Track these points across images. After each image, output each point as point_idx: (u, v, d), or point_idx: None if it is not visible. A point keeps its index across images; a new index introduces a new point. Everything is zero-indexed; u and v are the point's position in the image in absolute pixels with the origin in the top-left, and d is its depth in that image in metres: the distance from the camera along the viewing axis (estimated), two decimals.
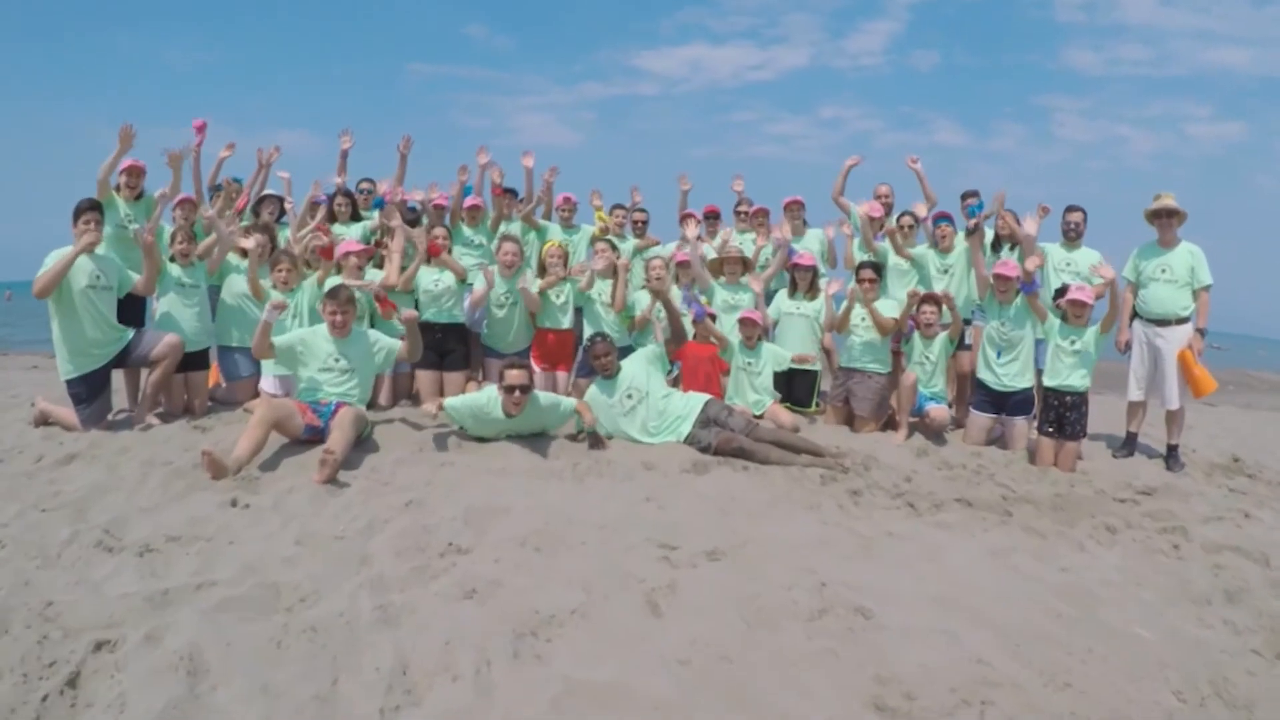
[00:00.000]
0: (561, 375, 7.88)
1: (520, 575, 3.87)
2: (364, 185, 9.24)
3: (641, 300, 7.90)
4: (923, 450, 6.84)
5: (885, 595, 3.86)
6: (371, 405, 7.42)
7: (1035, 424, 7.27)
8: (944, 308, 7.30)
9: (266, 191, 8.73)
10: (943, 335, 7.28)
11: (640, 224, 8.99)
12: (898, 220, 8.25)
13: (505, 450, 5.94)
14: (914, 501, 5.39)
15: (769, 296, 7.96)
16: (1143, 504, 5.97)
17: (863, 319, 7.43)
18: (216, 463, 5.34)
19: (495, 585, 3.76)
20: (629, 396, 6.35)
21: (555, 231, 8.66)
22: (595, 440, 6.15)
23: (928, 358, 7.33)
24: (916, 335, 7.36)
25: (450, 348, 7.69)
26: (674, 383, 7.76)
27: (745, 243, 8.50)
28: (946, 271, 7.85)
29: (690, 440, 6.22)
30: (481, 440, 6.23)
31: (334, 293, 6.31)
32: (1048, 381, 6.87)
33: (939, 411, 7.19)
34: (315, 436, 5.96)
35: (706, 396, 6.50)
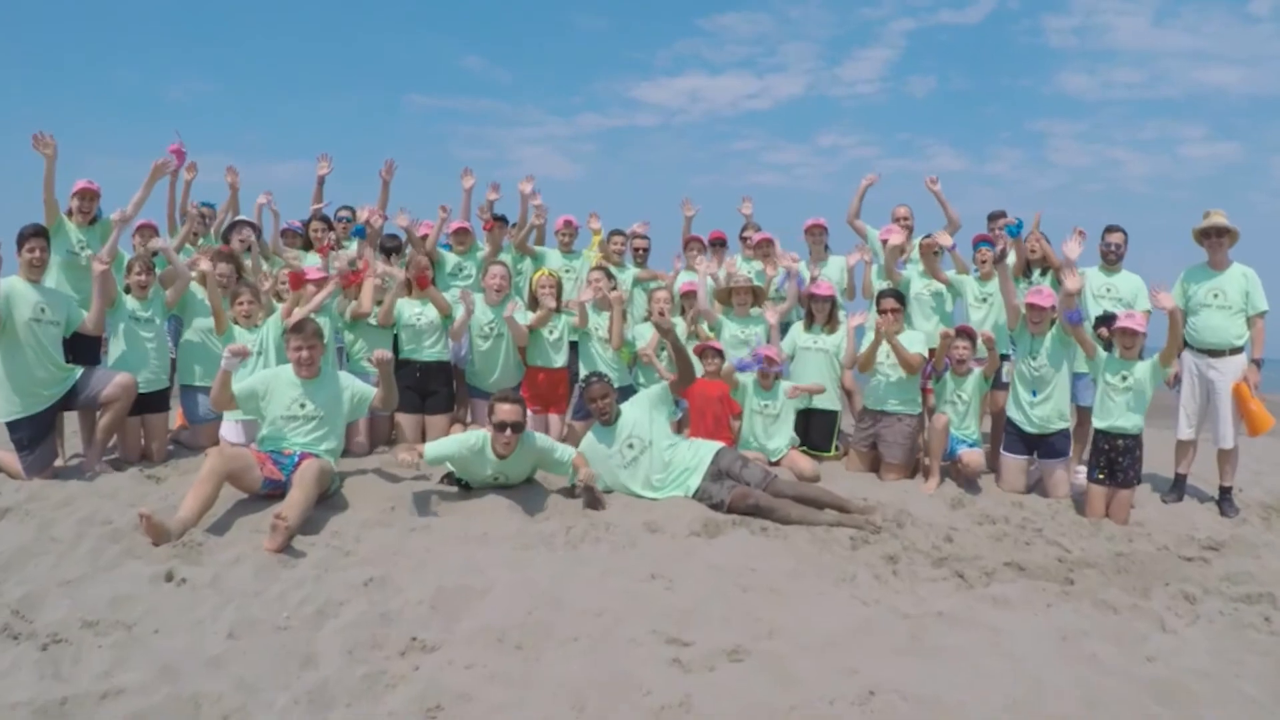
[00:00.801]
0: (555, 418, 7.16)
1: (496, 686, 3.13)
2: (343, 213, 8.60)
3: (643, 334, 7.19)
4: (958, 500, 6.10)
5: (948, 707, 3.11)
6: (346, 450, 6.73)
7: (1073, 465, 6.54)
8: (978, 342, 6.60)
9: (239, 218, 8.07)
10: (976, 372, 6.56)
11: (641, 252, 8.30)
12: (920, 246, 7.56)
13: (489, 510, 5.20)
14: (962, 569, 4.65)
15: (783, 329, 7.25)
16: (1213, 563, 5.25)
17: (887, 355, 6.72)
18: (156, 527, 4.66)
19: (464, 701, 3.02)
20: (630, 446, 5.63)
21: (555, 258, 7.97)
22: (592, 498, 5.41)
23: (959, 397, 6.62)
24: (948, 373, 6.64)
25: (433, 388, 6.98)
26: (679, 426, 7.04)
27: (752, 272, 7.80)
28: (985, 300, 7.14)
29: (700, 495, 5.48)
30: (465, 489, 5.51)
31: (299, 326, 5.61)
32: (1097, 423, 6.14)
33: (973, 456, 6.47)
34: (276, 491, 5.24)
35: (717, 445, 5.76)
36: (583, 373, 7.11)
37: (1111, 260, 7.22)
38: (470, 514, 5.15)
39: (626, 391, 6.89)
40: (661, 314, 7.00)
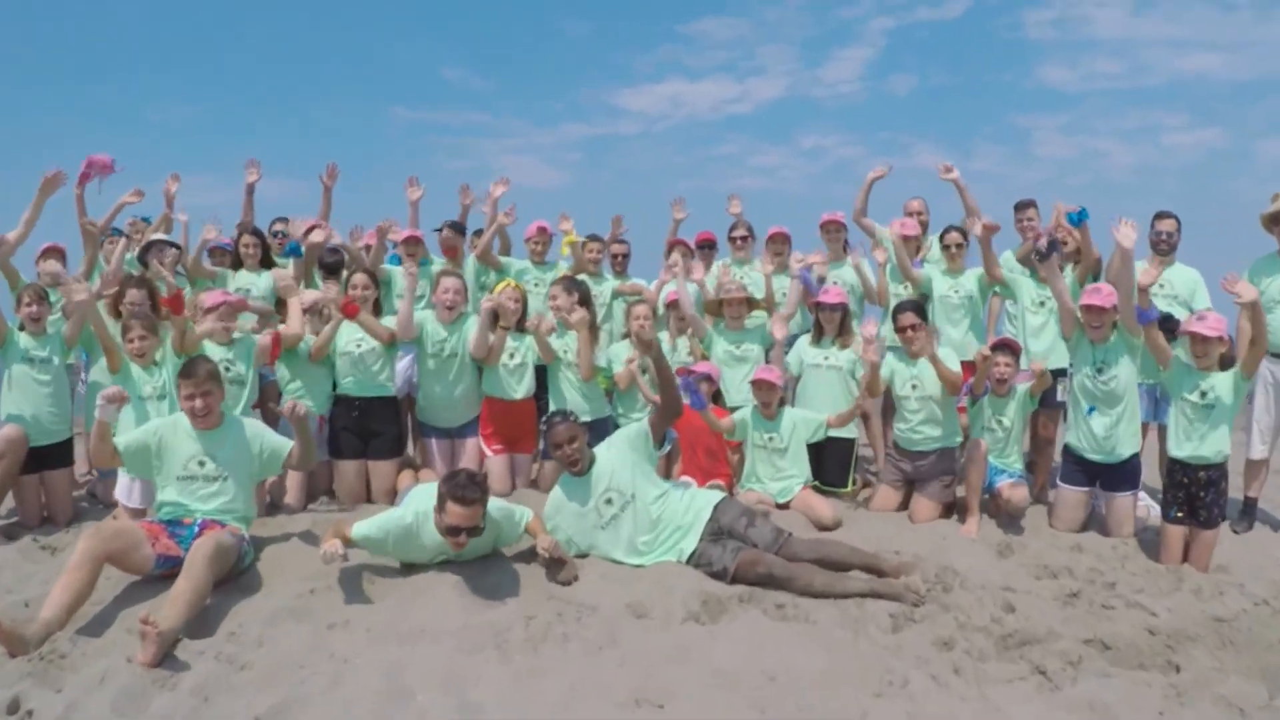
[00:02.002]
0: (521, 459, 6.10)
1: None
2: (277, 226, 7.54)
3: (620, 356, 6.13)
4: (1005, 546, 5.07)
5: None
6: (277, 506, 5.67)
7: (1138, 497, 5.52)
8: (1020, 357, 5.59)
9: (156, 236, 6.99)
10: (1020, 391, 5.52)
11: (620, 259, 7.25)
12: (942, 240, 6.53)
13: (431, 591, 4.12)
14: (1039, 660, 3.61)
15: (787, 343, 6.21)
16: None
17: (913, 381, 5.69)
18: (9, 635, 3.64)
19: None
20: (608, 502, 4.54)
21: (528, 272, 6.93)
22: (558, 568, 4.34)
23: (1000, 421, 5.58)
24: (987, 396, 5.60)
25: (377, 428, 5.90)
26: (668, 461, 5.98)
27: (747, 278, 6.75)
28: (1044, 305, 6.11)
29: (697, 560, 4.40)
30: (407, 566, 4.44)
31: (189, 369, 4.54)
32: (1174, 451, 5.09)
33: (1016, 493, 5.43)
34: (173, 571, 4.18)
35: (716, 497, 4.69)
36: (553, 406, 6.05)
37: (1163, 251, 6.23)
38: (408, 597, 4.08)
39: (604, 428, 5.84)
40: (642, 328, 5.98)
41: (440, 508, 4.07)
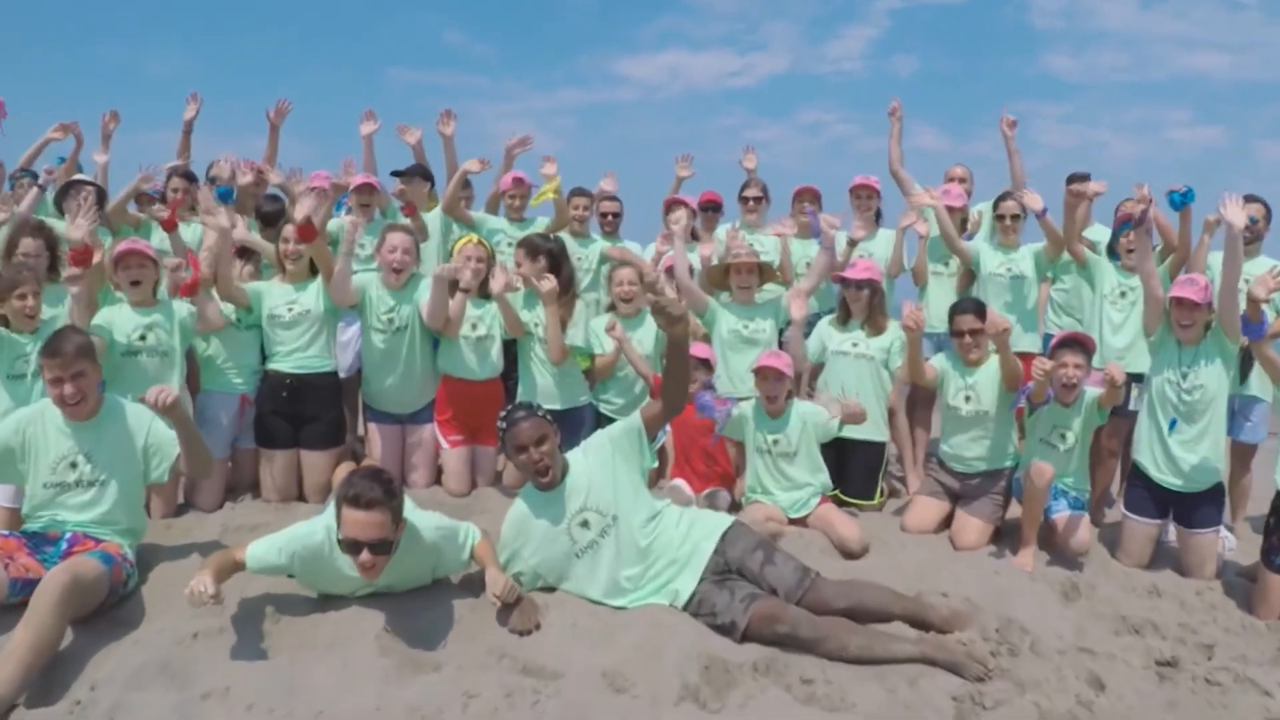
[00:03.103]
0: (485, 453, 5.12)
1: None
2: (215, 173, 6.47)
3: (603, 332, 5.15)
4: (1070, 588, 4.15)
5: None
6: (188, 505, 4.72)
7: (1223, 531, 4.61)
8: (1092, 356, 4.63)
9: (77, 176, 5.92)
10: (1090, 398, 4.55)
11: (611, 219, 6.24)
12: (996, 209, 5.55)
13: (341, 646, 3.15)
14: None
15: (807, 324, 5.22)
16: None
17: (966, 392, 4.73)
18: None
19: None
20: (584, 524, 3.53)
21: (496, 225, 5.89)
22: (512, 614, 3.37)
23: (1063, 435, 4.61)
24: (1048, 404, 4.63)
25: (311, 411, 4.91)
26: (659, 469, 5.00)
27: (760, 246, 5.74)
28: (1125, 296, 5.14)
29: (696, 606, 3.42)
30: (325, 596, 3.48)
31: (54, 344, 3.53)
32: None
33: (1077, 536, 4.44)
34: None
35: (724, 523, 3.69)
36: (522, 389, 5.07)
37: (1247, 240, 5.25)
38: (315, 653, 3.11)
39: (580, 420, 4.90)
40: (627, 297, 5.07)
41: (338, 519, 3.10)
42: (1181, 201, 4.82)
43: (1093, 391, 4.51)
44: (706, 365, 4.87)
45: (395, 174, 6.10)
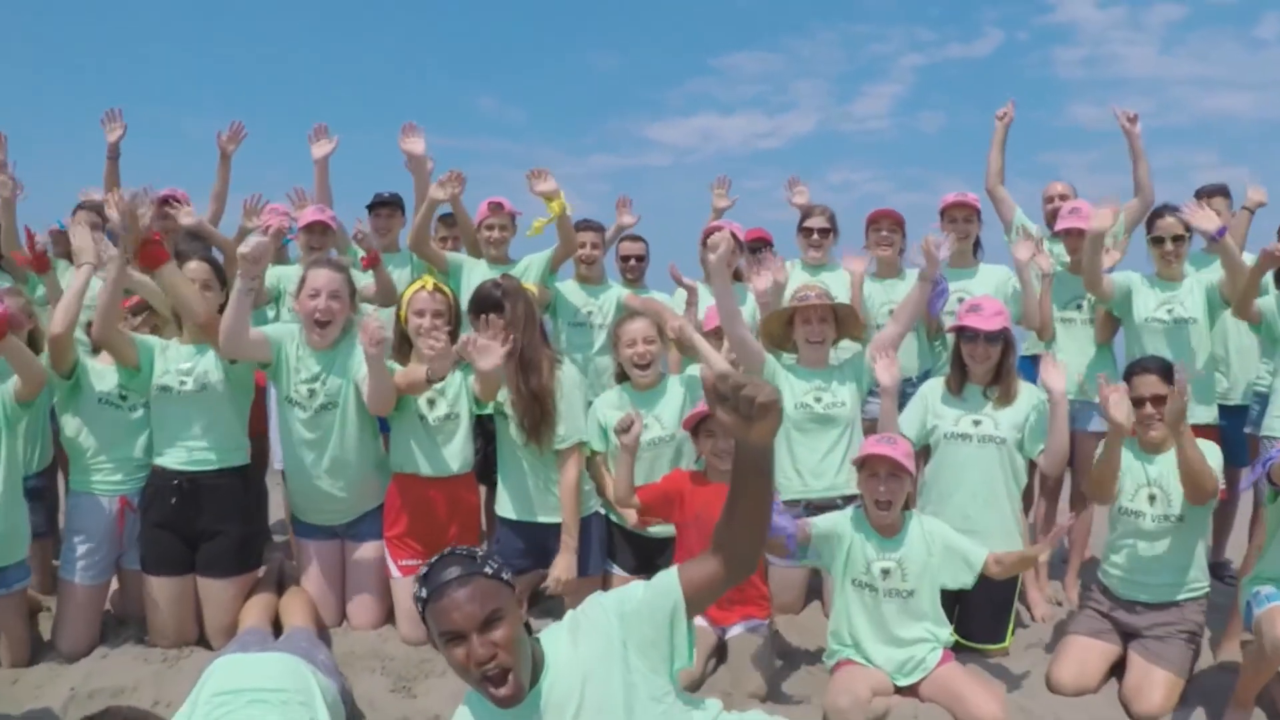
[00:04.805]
0: None
1: None
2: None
3: (608, 413, 3.73)
4: None
5: None
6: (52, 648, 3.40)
7: None
8: None
9: None
10: None
11: (634, 263, 4.83)
12: (1151, 228, 4.09)
13: None
14: None
15: (900, 395, 3.75)
16: None
17: (1151, 489, 3.29)
18: None
19: None
20: None
21: (478, 271, 4.36)
22: None
23: None
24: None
25: (211, 525, 3.50)
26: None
27: (832, 284, 4.30)
28: None
29: None
30: None
31: None
32: None
33: None
34: None
35: None
36: (503, 488, 3.65)
37: None
38: None
39: (584, 543, 3.49)
40: (642, 363, 3.66)
41: None
42: None
43: None
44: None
45: (370, 207, 4.81)
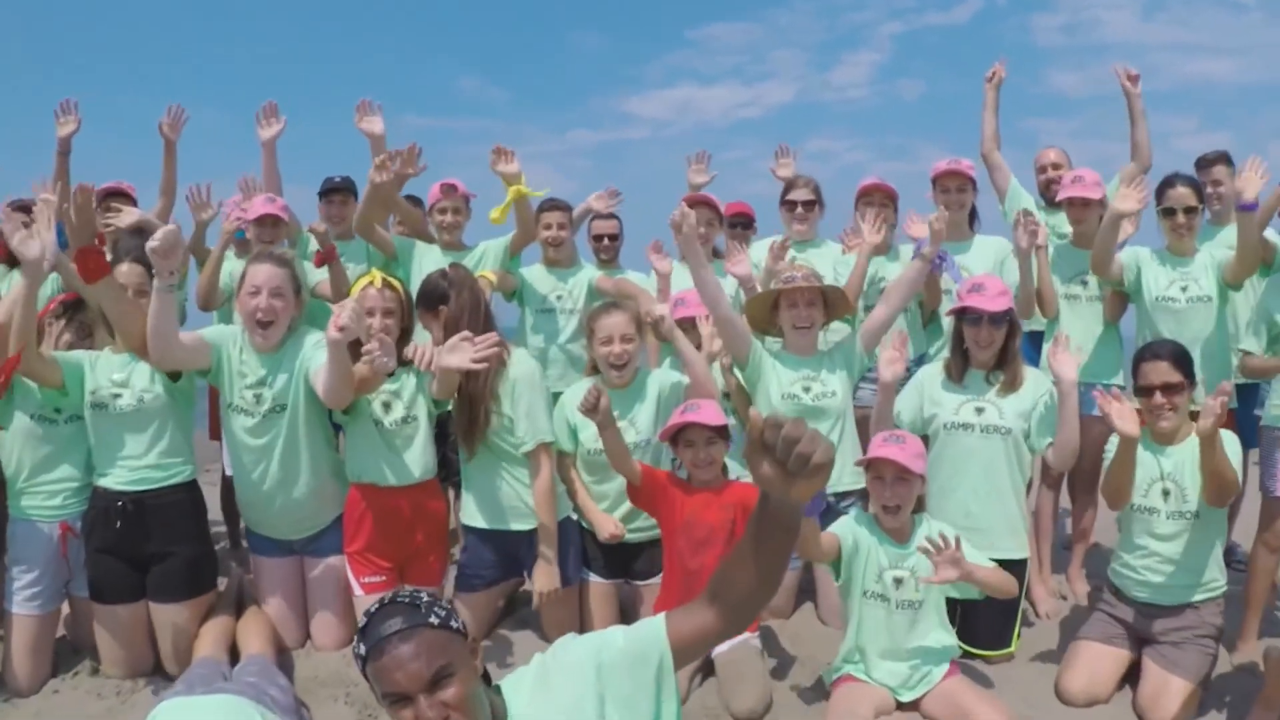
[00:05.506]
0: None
1: None
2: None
3: (577, 404, 3.46)
4: None
5: None
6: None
7: None
8: None
9: None
10: None
11: (608, 242, 4.56)
12: (1161, 198, 3.82)
13: None
14: None
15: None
16: None
17: (1165, 484, 3.06)
18: None
19: None
20: None
21: (431, 257, 4.12)
22: None
23: None
24: None
25: (160, 547, 3.24)
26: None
27: (817, 261, 4.05)
28: None
29: None
30: None
31: None
32: None
33: None
34: None
35: None
36: (467, 494, 3.42)
37: None
38: None
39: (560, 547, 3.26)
40: (618, 362, 3.36)
41: None
42: None
43: None
44: (724, 436, 3.17)
45: (321, 194, 4.53)
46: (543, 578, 3.27)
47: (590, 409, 3.04)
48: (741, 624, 1.74)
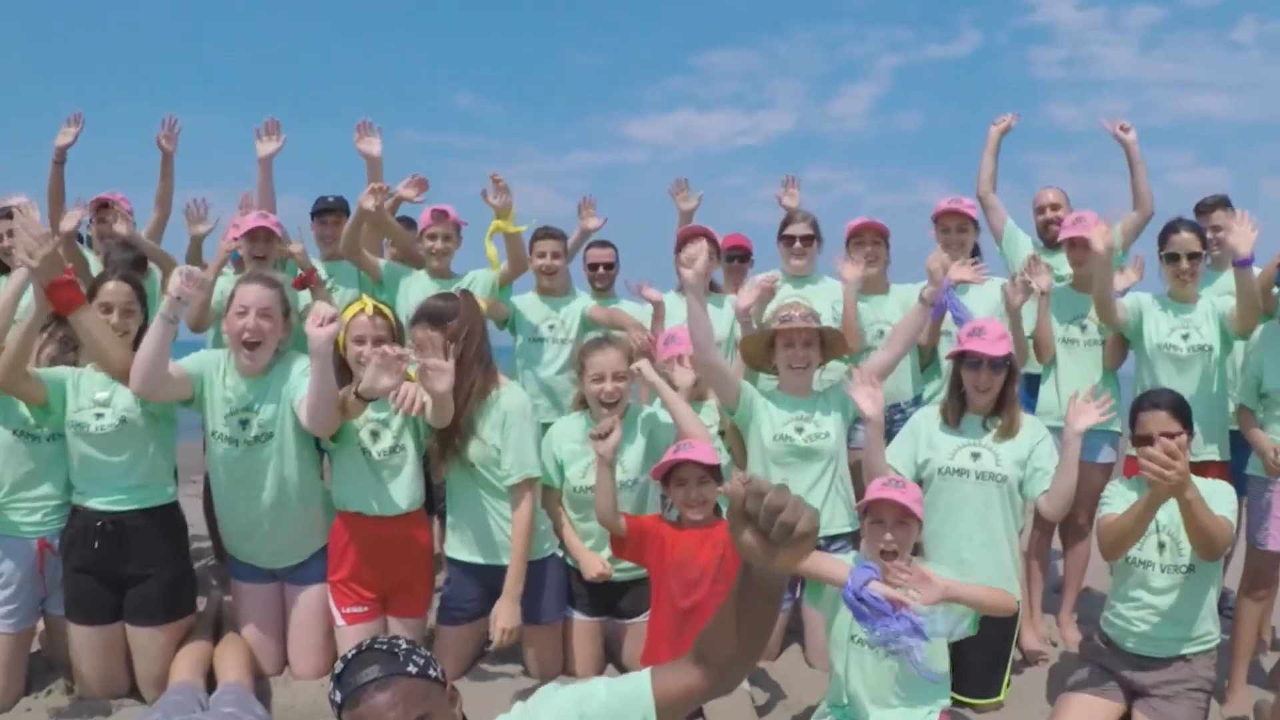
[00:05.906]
0: (404, 626, 3.33)
1: None
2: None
3: (569, 440, 3.46)
4: None
5: None
6: None
7: None
8: None
9: None
10: None
11: (602, 271, 4.51)
12: (1164, 244, 3.79)
13: None
14: None
15: (890, 422, 3.48)
16: None
17: (1161, 536, 3.01)
18: None
19: None
20: None
21: (418, 285, 4.10)
22: None
23: None
24: None
25: (138, 569, 3.20)
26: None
27: (815, 299, 4.00)
28: None
29: None
30: None
31: None
32: None
33: None
34: None
35: None
36: (452, 524, 3.38)
37: None
38: None
39: (538, 585, 3.23)
40: (610, 400, 3.32)
41: None
42: None
43: None
44: (716, 476, 3.12)
45: (314, 213, 4.49)
46: (504, 615, 3.18)
47: (601, 436, 3.03)
48: (729, 685, 1.69)
